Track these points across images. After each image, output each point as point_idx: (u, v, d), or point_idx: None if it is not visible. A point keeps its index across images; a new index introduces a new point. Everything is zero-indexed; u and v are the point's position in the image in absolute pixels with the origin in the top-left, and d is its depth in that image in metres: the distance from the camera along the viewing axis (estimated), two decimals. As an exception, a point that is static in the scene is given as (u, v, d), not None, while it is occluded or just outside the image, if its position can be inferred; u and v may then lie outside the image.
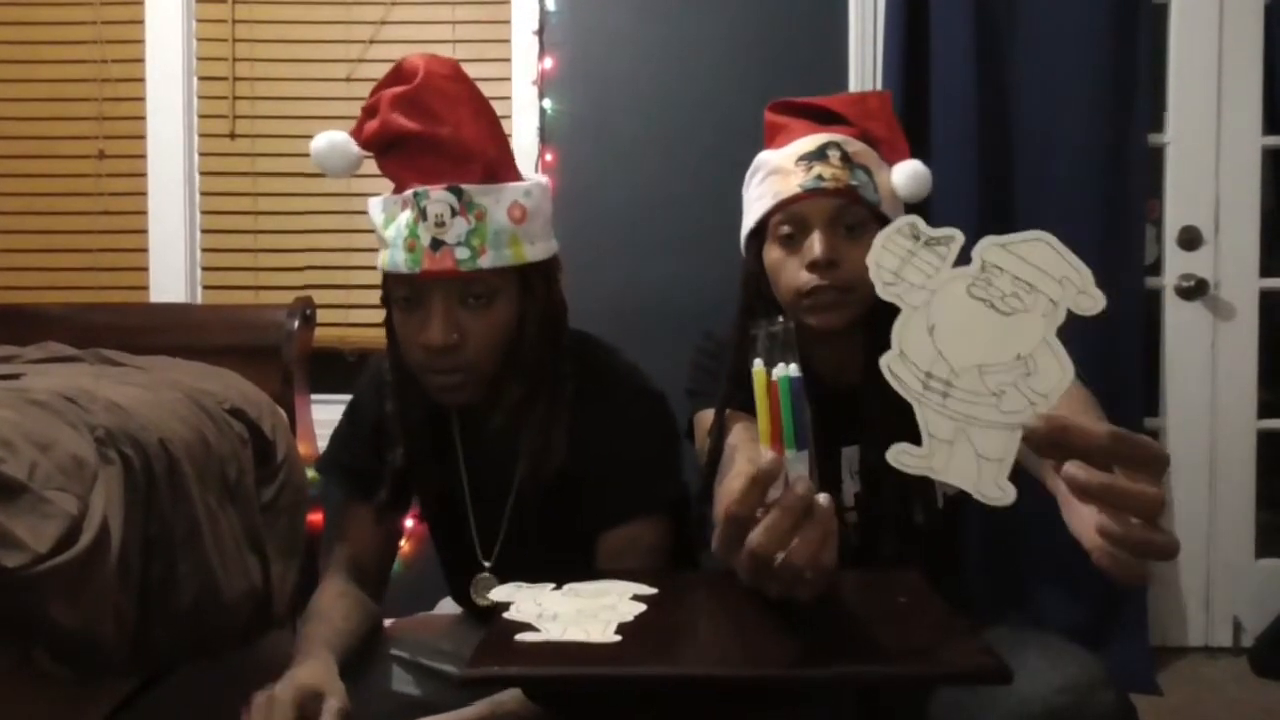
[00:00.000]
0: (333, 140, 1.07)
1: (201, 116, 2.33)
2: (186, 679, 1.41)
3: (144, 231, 2.32)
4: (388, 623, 1.24)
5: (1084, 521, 0.63)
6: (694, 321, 1.28)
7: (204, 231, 2.34)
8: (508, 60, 2.28)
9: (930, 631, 0.75)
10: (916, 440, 0.60)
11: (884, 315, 0.63)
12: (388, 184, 1.08)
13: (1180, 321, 2.24)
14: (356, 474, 1.21)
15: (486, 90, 1.09)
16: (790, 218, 1.08)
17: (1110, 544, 0.58)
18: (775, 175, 1.10)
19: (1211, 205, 2.22)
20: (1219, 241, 2.22)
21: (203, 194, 2.34)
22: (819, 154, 1.08)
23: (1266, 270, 2.22)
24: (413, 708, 1.06)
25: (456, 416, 1.17)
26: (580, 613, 0.78)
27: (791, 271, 1.08)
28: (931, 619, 0.77)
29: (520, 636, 0.73)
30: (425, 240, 1.01)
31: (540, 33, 2.26)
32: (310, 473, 1.70)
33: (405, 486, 1.18)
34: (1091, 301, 0.59)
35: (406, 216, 1.02)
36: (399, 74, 1.06)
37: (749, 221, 1.15)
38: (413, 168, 1.04)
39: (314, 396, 1.98)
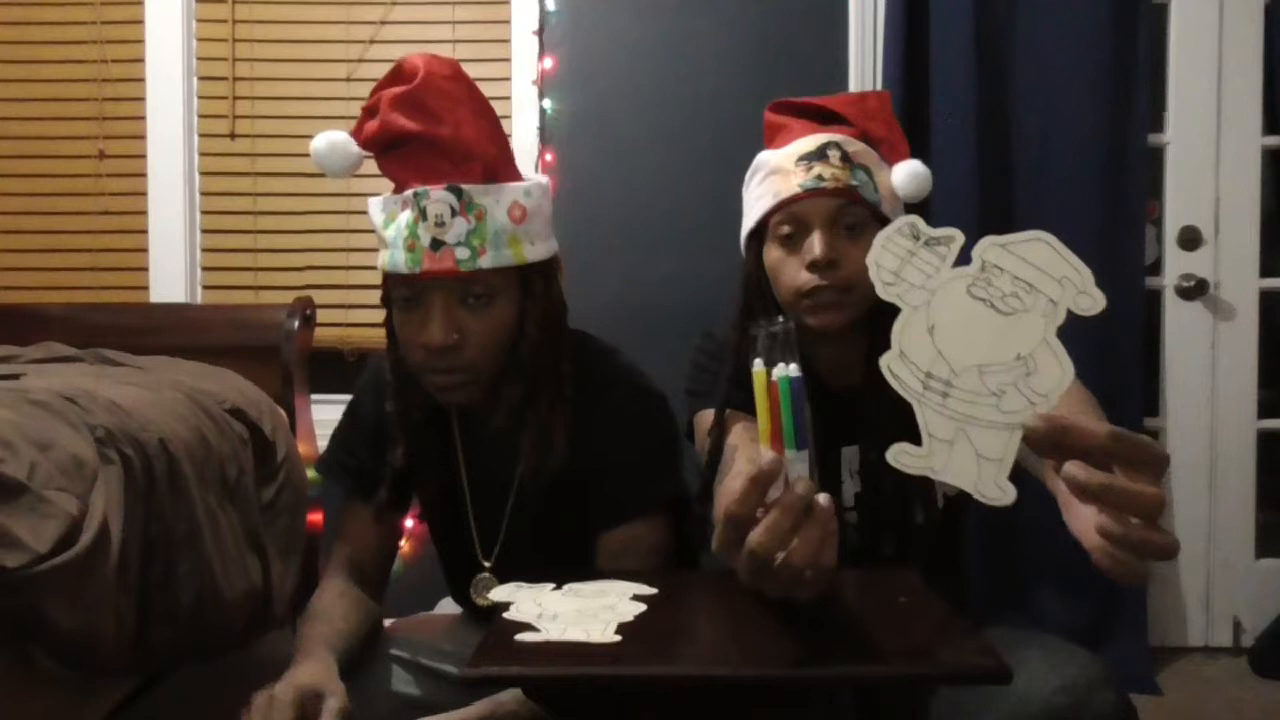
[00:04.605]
0: (333, 140, 1.07)
1: (201, 116, 2.33)
2: (186, 679, 1.41)
3: (144, 231, 2.32)
4: (388, 623, 1.24)
5: (1084, 521, 0.63)
6: (694, 321, 1.27)
7: (204, 231, 2.34)
8: (508, 60, 2.28)
9: (930, 631, 0.75)
10: (916, 440, 0.60)
11: (884, 315, 0.63)
12: (388, 184, 1.08)
13: (1180, 321, 2.24)
14: (357, 474, 1.21)
15: (486, 90, 1.09)
16: (790, 218, 1.08)
17: (1110, 544, 0.58)
18: (775, 175, 1.10)
19: (1211, 205, 2.22)
20: (1219, 241, 2.22)
21: (203, 194, 2.34)
22: (819, 154, 1.07)
23: (1266, 270, 2.22)
24: (413, 708, 1.06)
25: (456, 416, 1.17)
26: (580, 613, 0.78)
27: (791, 271, 1.08)
28: (931, 619, 0.77)
29: (520, 636, 0.73)
30: (425, 240, 1.01)
31: (540, 33, 2.26)
32: (310, 473, 1.70)
33: (405, 486, 1.18)
34: (1091, 301, 0.59)
35: (406, 216, 1.02)
36: (399, 74, 1.06)
37: (749, 221, 1.15)
38: (413, 168, 1.04)
39: (314, 396, 1.98)
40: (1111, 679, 0.84)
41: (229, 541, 1.39)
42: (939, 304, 0.61)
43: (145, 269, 2.32)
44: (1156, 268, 2.26)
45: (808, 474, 0.68)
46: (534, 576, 0.89)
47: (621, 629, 0.74)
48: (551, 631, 0.74)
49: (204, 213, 2.34)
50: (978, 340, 0.60)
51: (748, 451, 1.01)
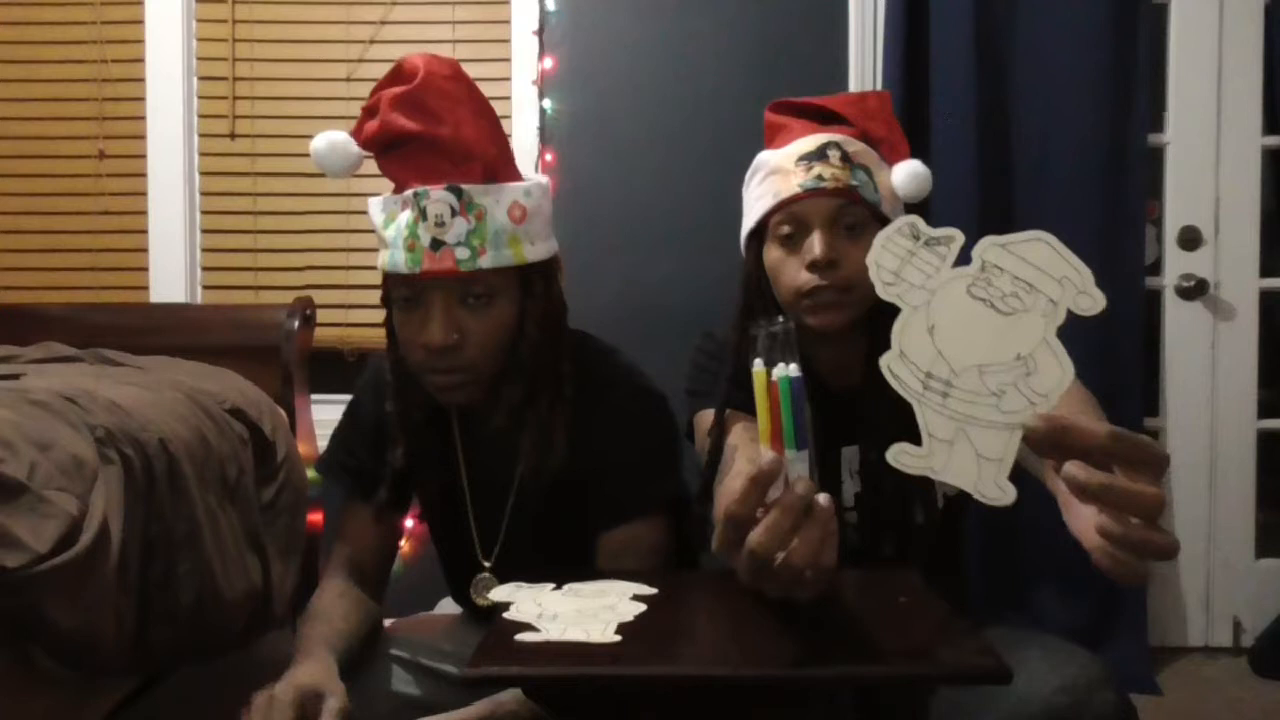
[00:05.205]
0: (333, 140, 1.07)
1: (201, 116, 2.33)
2: (186, 679, 1.41)
3: (144, 231, 2.32)
4: (388, 623, 1.24)
5: (1084, 521, 0.63)
6: (694, 321, 1.28)
7: (204, 231, 2.34)
8: (508, 60, 2.28)
9: (930, 631, 0.75)
10: (916, 440, 0.60)
11: (884, 315, 0.63)
12: (388, 184, 1.08)
13: (1180, 321, 2.24)
14: (357, 474, 1.21)
15: (486, 90, 1.09)
16: (790, 218, 1.08)
17: (1110, 544, 0.58)
18: (775, 175, 1.10)
19: (1211, 205, 2.22)
20: (1219, 241, 2.22)
21: (203, 194, 2.34)
22: (819, 154, 1.07)
23: (1266, 270, 2.22)
24: (413, 708, 1.06)
25: (456, 416, 1.17)
26: (580, 613, 0.78)
27: (791, 271, 1.08)
28: (931, 619, 0.77)
29: (520, 636, 0.73)
30: (425, 240, 1.01)
31: (540, 33, 2.26)
32: (310, 473, 1.70)
33: (405, 486, 1.18)
34: (1091, 301, 0.59)
35: (406, 216, 1.02)
36: (399, 74, 1.06)
37: (749, 221, 1.15)
38: (413, 168, 1.04)
39: (314, 396, 1.98)
40: (1111, 679, 0.84)
41: (229, 541, 1.39)
42: (939, 304, 0.61)
43: (145, 269, 2.32)
44: (1156, 268, 2.26)
45: (808, 474, 0.68)
46: (534, 576, 0.89)
47: (621, 629, 0.74)
48: (551, 631, 0.74)
49: (204, 213, 2.34)
50: (978, 340, 0.60)
51: (748, 451, 1.01)
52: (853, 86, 2.20)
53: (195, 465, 1.35)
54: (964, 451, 0.60)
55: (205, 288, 2.34)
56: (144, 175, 2.32)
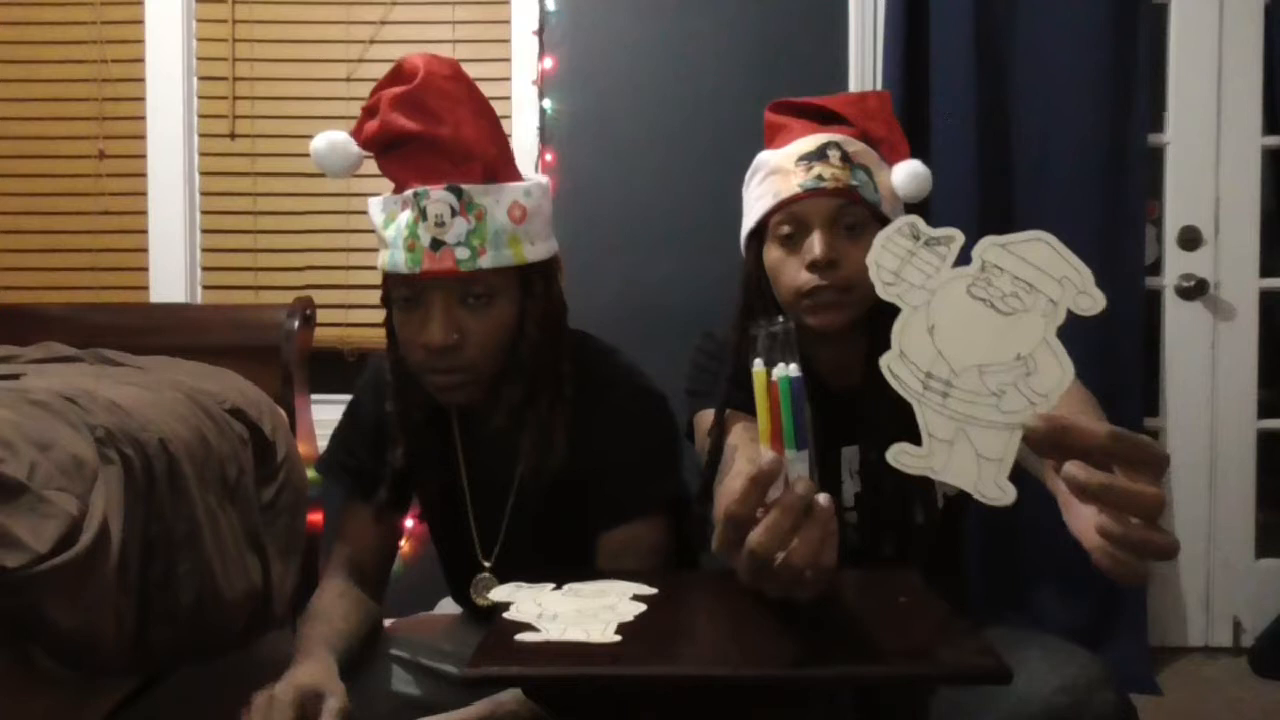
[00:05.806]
0: (333, 140, 1.07)
1: (201, 116, 2.34)
2: (186, 679, 1.41)
3: (144, 231, 2.32)
4: (388, 623, 1.24)
5: (1084, 521, 0.63)
6: (694, 321, 1.28)
7: (204, 231, 2.34)
8: (508, 60, 2.28)
9: (930, 631, 0.75)
10: (916, 440, 0.60)
11: (884, 315, 0.63)
12: (388, 184, 1.08)
13: (1180, 321, 2.24)
14: (357, 474, 1.21)
15: (486, 90, 1.09)
16: (790, 218, 1.08)
17: (1110, 544, 0.58)
18: (775, 175, 1.10)
19: (1211, 205, 2.22)
20: (1219, 241, 2.22)
21: (203, 194, 2.34)
22: (819, 154, 1.07)
23: (1266, 270, 2.22)
24: (413, 708, 1.06)
25: (456, 416, 1.17)
26: (580, 613, 0.78)
27: (791, 271, 1.08)
28: (931, 619, 0.77)
29: (520, 636, 0.73)
30: (425, 240, 1.01)
31: (540, 33, 2.26)
32: (310, 473, 1.70)
33: (405, 486, 1.18)
34: (1091, 301, 0.59)
35: (406, 216, 1.02)
36: (399, 74, 1.06)
37: (749, 221, 1.15)
38: (413, 168, 1.04)
39: (314, 396, 1.98)
40: (1111, 679, 0.84)
41: (229, 541, 1.39)
42: (939, 304, 0.61)
43: (145, 269, 2.32)
44: (1156, 268, 2.26)
45: (808, 474, 0.68)
46: (534, 576, 0.89)
47: (621, 629, 0.74)
48: (551, 631, 0.74)
49: (204, 213, 2.34)
50: (978, 340, 0.60)
51: (748, 451, 1.01)
52: (853, 86, 2.20)
53: (195, 465, 1.35)
54: (964, 451, 0.60)
55: (205, 288, 2.34)
56: (144, 175, 2.32)
